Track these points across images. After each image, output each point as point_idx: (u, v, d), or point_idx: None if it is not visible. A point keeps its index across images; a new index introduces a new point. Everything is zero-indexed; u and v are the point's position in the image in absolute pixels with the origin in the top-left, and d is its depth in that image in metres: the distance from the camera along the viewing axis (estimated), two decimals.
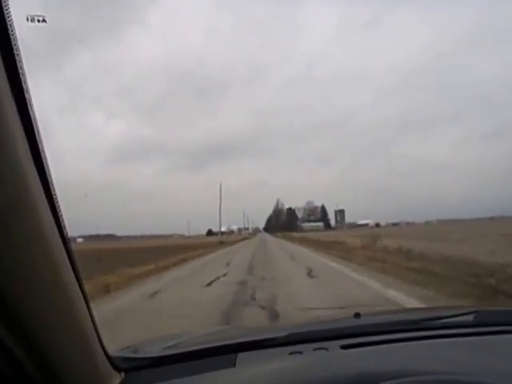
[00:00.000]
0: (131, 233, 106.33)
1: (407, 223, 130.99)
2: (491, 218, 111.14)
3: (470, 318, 1.31)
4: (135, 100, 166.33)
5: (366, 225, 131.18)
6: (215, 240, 53.21)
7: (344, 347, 1.14)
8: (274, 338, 1.22)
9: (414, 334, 1.24)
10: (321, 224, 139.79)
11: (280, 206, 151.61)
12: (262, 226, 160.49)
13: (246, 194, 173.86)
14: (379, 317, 1.74)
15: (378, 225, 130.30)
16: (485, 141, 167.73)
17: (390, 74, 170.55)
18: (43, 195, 0.66)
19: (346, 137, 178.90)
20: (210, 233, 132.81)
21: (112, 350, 0.97)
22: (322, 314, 5.63)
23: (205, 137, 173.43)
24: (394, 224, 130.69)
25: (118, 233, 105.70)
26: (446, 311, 1.63)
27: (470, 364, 1.02)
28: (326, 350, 1.14)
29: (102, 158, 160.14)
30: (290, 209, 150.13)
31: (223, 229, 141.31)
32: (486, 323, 1.31)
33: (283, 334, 1.23)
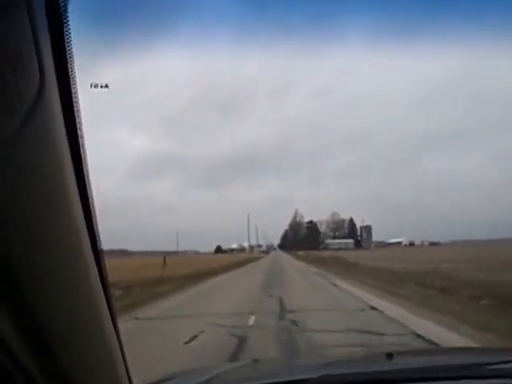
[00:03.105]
0: (143, 248, 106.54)
1: (431, 243, 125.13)
2: None
3: None
4: (156, 114, 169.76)
5: (399, 243, 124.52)
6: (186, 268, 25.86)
7: None
8: (306, 380, 1.20)
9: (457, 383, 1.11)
10: (350, 241, 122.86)
11: (299, 219, 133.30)
12: (277, 242, 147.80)
13: (264, 209, 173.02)
14: (415, 359, 1.65)
15: (412, 244, 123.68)
16: None
17: (420, 88, 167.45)
18: (80, 207, 0.68)
19: (373, 151, 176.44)
20: (218, 250, 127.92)
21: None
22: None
23: (223, 152, 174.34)
24: (433, 243, 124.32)
25: (130, 248, 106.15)
26: (494, 355, 1.51)
27: None
28: None
29: (119, 173, 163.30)
30: (310, 222, 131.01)
31: (234, 245, 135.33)
32: None
33: (315, 375, 1.21)
